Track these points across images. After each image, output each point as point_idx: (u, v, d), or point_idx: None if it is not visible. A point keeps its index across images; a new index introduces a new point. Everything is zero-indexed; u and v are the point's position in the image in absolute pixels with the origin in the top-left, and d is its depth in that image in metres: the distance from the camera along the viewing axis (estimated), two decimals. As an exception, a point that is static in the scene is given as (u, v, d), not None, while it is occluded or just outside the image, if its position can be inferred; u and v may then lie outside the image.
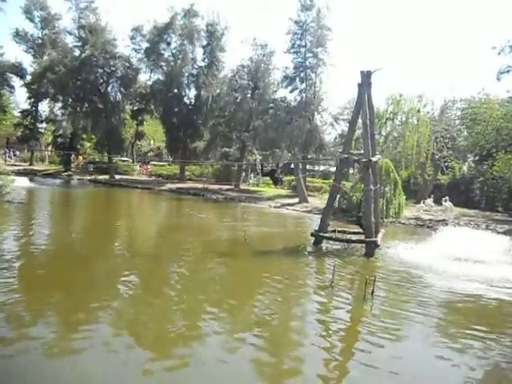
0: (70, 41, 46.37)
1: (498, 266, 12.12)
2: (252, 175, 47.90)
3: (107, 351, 5.95)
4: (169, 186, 39.85)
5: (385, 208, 22.36)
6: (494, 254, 12.82)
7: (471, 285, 10.51)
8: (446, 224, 20.63)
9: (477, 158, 37.20)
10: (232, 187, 39.30)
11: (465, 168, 39.09)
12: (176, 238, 15.84)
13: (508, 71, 28.58)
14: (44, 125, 55.72)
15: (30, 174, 39.55)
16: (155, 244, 15.08)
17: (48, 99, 49.57)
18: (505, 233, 15.97)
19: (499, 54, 28.26)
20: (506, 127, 29.31)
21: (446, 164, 36.02)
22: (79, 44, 44.06)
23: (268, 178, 45.21)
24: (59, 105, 49.14)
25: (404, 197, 24.53)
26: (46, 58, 44.69)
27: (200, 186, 39.80)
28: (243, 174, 44.67)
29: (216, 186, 39.23)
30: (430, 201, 30.59)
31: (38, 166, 50.28)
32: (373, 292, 8.99)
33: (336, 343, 6.87)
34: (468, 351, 6.62)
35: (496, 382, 5.83)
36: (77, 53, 44.25)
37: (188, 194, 36.02)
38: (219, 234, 17.36)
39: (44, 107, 52.78)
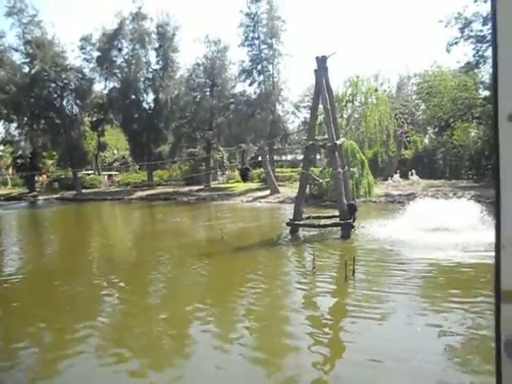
0: (17, 58, 44.96)
1: (470, 232, 12.52)
2: (227, 172, 47.51)
3: (97, 365, 5.84)
4: (138, 193, 39.38)
5: (355, 188, 22.76)
6: (464, 220, 13.23)
7: (446, 253, 10.84)
8: (415, 197, 21.16)
9: (436, 129, 38.24)
10: (202, 187, 39.15)
11: (426, 141, 40.12)
12: (153, 244, 15.69)
13: (456, 43, 29.44)
14: (1, 147, 53.96)
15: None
16: (133, 254, 14.90)
17: (2, 120, 47.95)
18: (472, 198, 16.50)
19: (446, 26, 29.08)
20: (461, 97, 30.27)
21: (408, 139, 36.88)
22: (27, 60, 42.86)
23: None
24: (15, 125, 47.69)
25: (372, 176, 25.01)
26: (-6, 78, 43.22)
27: (170, 190, 39.47)
28: (212, 172, 44.52)
29: (186, 188, 38.99)
30: (396, 176, 31.28)
31: (0, 190, 48.77)
32: (354, 273, 9.17)
33: (324, 327, 6.99)
34: (452, 319, 6.76)
35: (480, 345, 6.02)
36: (26, 69, 43.06)
37: (159, 199, 35.69)
38: (196, 236, 17.31)
39: (-1, 129, 51.09)
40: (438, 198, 20.04)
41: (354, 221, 14.67)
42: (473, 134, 33.41)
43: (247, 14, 38.75)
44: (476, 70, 30.66)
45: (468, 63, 30.60)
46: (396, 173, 32.30)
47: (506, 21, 0.83)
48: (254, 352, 6.10)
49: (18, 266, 13.16)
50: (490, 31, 0.88)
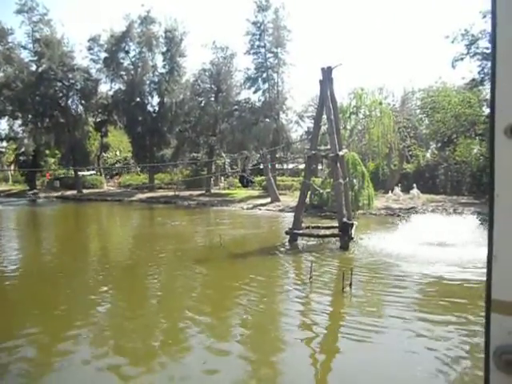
0: (25, 55, 45.21)
1: (468, 248, 12.52)
2: (227, 179, 47.58)
3: (91, 370, 5.84)
4: (139, 196, 39.37)
5: (354, 200, 22.72)
6: (463, 236, 13.23)
7: (444, 268, 10.83)
8: (416, 211, 21.18)
9: (439, 144, 38.29)
10: (203, 192, 39.16)
11: (428, 155, 40.11)
12: (152, 248, 15.66)
13: (462, 59, 29.55)
14: (4, 143, 54.05)
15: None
16: (131, 256, 14.87)
17: (6, 117, 48.08)
18: (472, 214, 16.50)
19: (452, 42, 29.23)
20: (464, 113, 30.35)
21: (410, 153, 36.92)
22: (35, 58, 43.09)
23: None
24: (19, 122, 47.80)
25: (372, 188, 24.98)
26: (1, 74, 43.48)
27: (171, 193, 39.48)
28: (214, 178, 44.58)
29: (187, 193, 38.99)
30: (398, 190, 31.23)
31: (1, 187, 48.83)
32: (351, 284, 9.16)
33: (318, 337, 6.98)
34: (447, 338, 6.69)
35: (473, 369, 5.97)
36: (33, 67, 43.28)
37: (159, 202, 35.68)
38: (195, 241, 17.29)
39: (3, 125, 51.31)
40: (438, 212, 20.04)
41: (351, 229, 14.55)
42: (475, 150, 33.39)
43: (254, 23, 39.03)
44: (481, 87, 30.74)
45: (473, 80, 30.70)
46: (397, 186, 32.28)
47: (505, 36, 0.85)
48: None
49: (14, 264, 13.17)
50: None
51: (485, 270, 0.88)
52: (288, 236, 15.51)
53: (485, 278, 0.91)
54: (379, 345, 6.54)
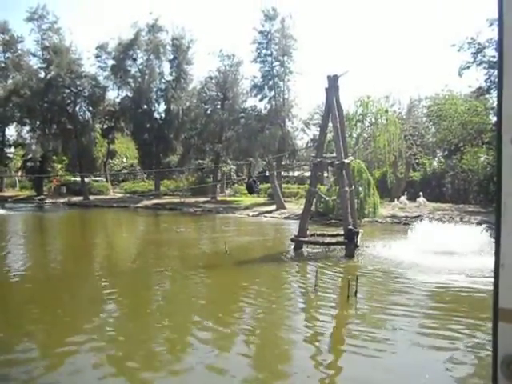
0: (34, 63, 45.87)
1: (475, 257, 12.42)
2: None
3: (98, 375, 5.84)
4: (145, 202, 39.41)
5: (359, 208, 22.62)
6: (469, 245, 13.12)
7: (450, 277, 10.75)
8: (422, 219, 21.03)
9: (445, 152, 38.17)
10: (209, 199, 39.18)
11: (435, 163, 39.93)
12: (157, 254, 15.70)
13: (468, 67, 29.57)
14: (12, 149, 54.41)
15: (1, 201, 38.62)
16: (137, 262, 14.87)
17: (15, 123, 48.52)
18: (479, 223, 16.40)
19: (459, 50, 29.28)
20: (471, 121, 30.28)
21: (417, 161, 36.79)
22: (44, 65, 43.61)
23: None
24: (27, 128, 48.25)
25: (378, 196, 24.87)
26: (10, 81, 43.98)
27: (176, 200, 39.53)
28: (219, 185, 44.64)
29: (192, 199, 39.01)
30: (404, 198, 31.02)
31: (8, 192, 49.10)
32: (356, 293, 9.09)
33: (322, 346, 6.95)
34: (453, 347, 6.63)
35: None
36: (42, 74, 43.79)
37: (165, 209, 35.71)
38: (200, 247, 17.29)
39: (11, 131, 51.66)
40: (444, 221, 19.92)
41: (356, 237, 14.49)
42: (482, 158, 33.28)
43: (261, 32, 39.26)
44: (487, 96, 30.71)
45: (479, 88, 30.67)
46: (403, 194, 32.08)
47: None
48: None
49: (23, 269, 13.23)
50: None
51: (491, 280, 0.87)
52: (293, 243, 15.48)
53: (491, 287, 0.91)
54: (385, 353, 6.50)
